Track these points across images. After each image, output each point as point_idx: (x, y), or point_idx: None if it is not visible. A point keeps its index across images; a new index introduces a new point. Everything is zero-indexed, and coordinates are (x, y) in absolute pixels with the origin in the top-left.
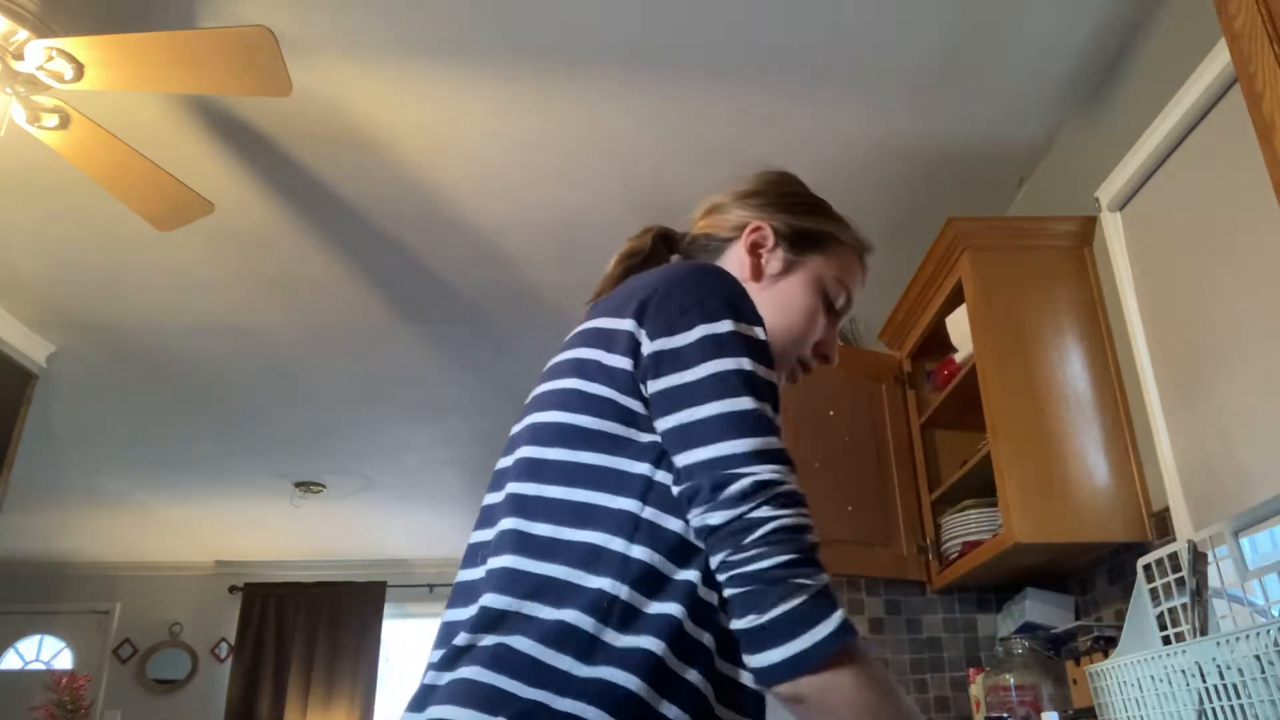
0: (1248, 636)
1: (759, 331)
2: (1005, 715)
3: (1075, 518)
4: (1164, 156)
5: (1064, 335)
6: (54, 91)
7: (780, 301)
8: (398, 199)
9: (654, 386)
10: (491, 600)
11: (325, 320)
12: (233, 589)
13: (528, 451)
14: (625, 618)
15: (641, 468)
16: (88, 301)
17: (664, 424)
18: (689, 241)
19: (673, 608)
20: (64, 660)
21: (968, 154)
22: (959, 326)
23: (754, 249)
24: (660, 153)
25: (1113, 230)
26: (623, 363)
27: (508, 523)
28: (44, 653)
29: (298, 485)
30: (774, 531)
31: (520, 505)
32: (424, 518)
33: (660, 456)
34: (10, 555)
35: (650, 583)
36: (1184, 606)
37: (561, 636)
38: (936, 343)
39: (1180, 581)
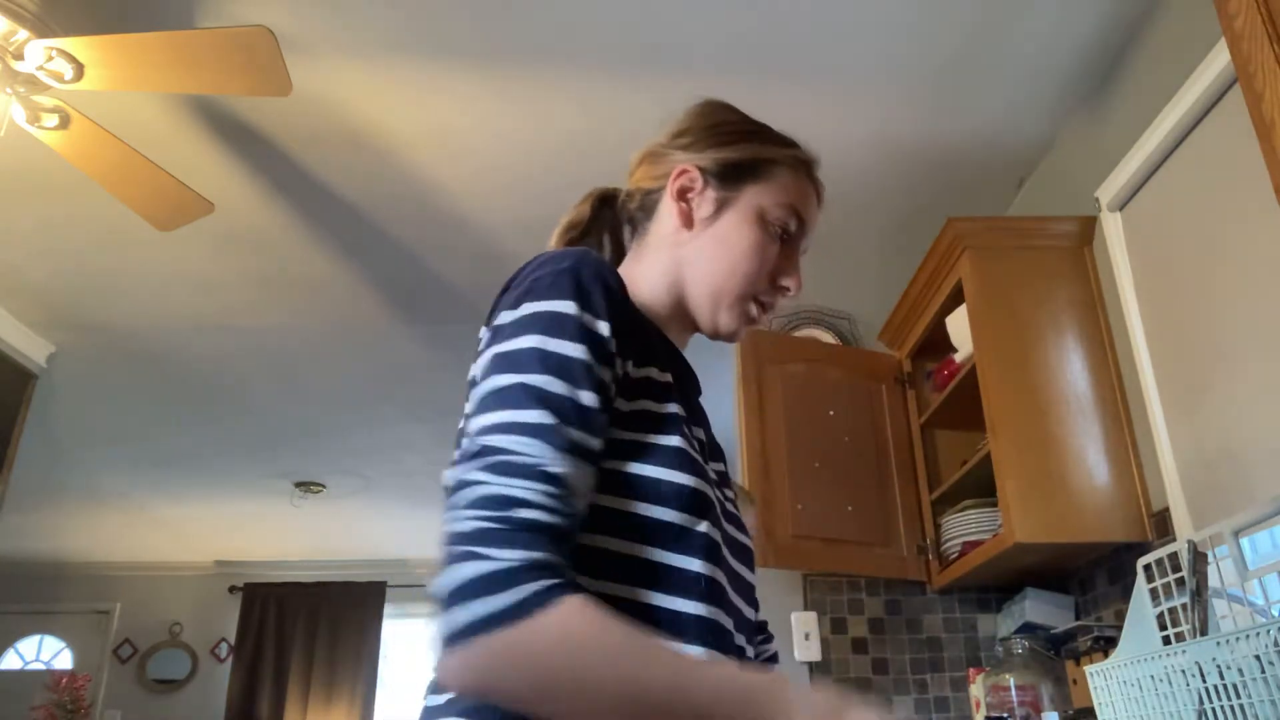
0: (1248, 636)
1: (563, 306)
2: (1005, 715)
3: (1075, 518)
4: (1164, 156)
5: (1064, 335)
6: (54, 91)
7: (719, 243)
8: (398, 198)
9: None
10: None
11: (325, 320)
12: (233, 589)
13: None
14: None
15: None
16: (88, 301)
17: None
18: (625, 198)
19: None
20: (64, 660)
21: (968, 154)
22: (959, 326)
23: (682, 194)
24: None
25: (1113, 230)
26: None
27: None
28: (44, 653)
29: (298, 485)
30: (478, 499)
31: None
32: (424, 518)
33: None
34: (10, 555)
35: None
36: (1184, 606)
37: None
38: (936, 343)
39: (1180, 581)
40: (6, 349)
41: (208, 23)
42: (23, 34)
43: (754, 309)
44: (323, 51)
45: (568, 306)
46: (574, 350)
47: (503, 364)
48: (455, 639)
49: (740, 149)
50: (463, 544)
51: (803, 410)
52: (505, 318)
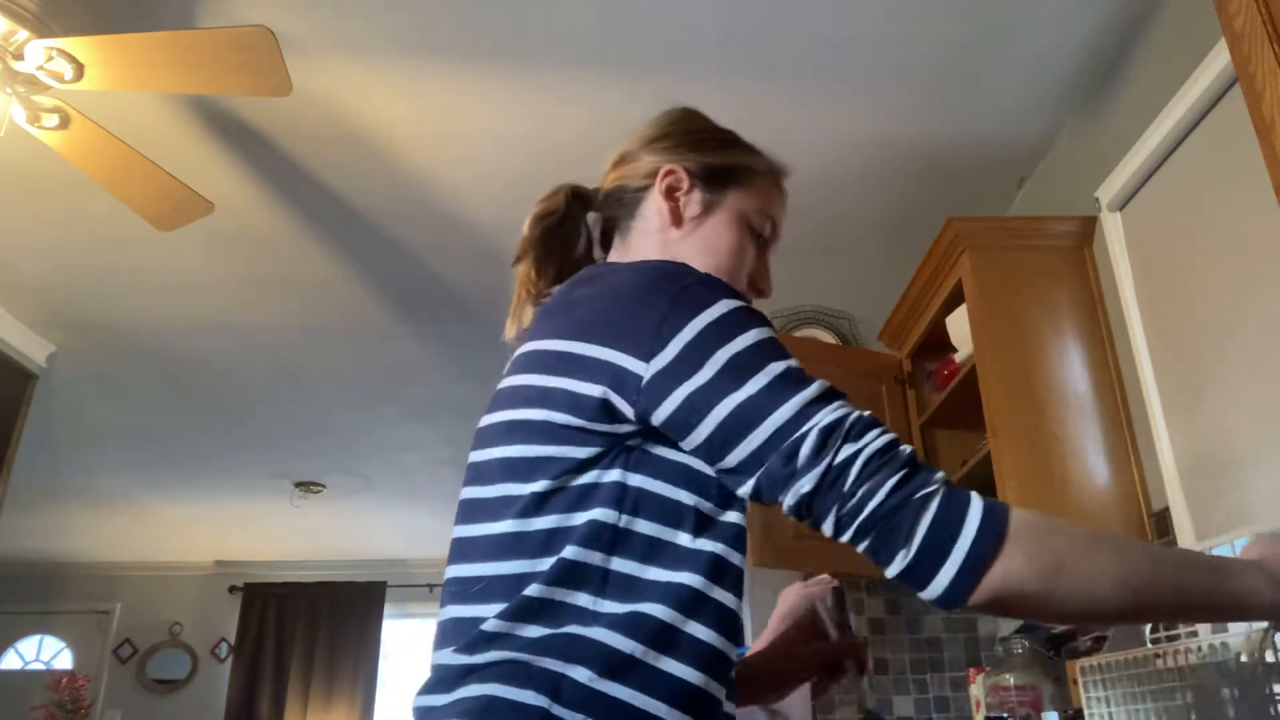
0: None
1: (732, 298)
2: (1005, 715)
3: (1075, 518)
4: (1164, 156)
5: (1064, 335)
6: (54, 91)
7: (706, 243)
8: (398, 198)
9: (669, 406)
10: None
11: (325, 320)
12: (233, 589)
13: (499, 489)
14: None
15: (613, 474)
16: (88, 301)
17: (698, 436)
18: (604, 197)
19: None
20: (64, 660)
21: (968, 154)
22: (959, 326)
23: (670, 193)
24: None
25: (1113, 230)
26: (593, 390)
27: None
28: (44, 653)
29: (298, 485)
30: (867, 463)
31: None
32: (424, 518)
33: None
34: (10, 555)
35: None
36: None
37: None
38: (936, 343)
39: None
40: (6, 349)
41: (208, 23)
42: (23, 34)
43: None
44: (323, 51)
45: (734, 299)
46: (773, 330)
47: (741, 367)
48: (978, 565)
49: (722, 155)
50: (905, 499)
51: None
52: (692, 328)
